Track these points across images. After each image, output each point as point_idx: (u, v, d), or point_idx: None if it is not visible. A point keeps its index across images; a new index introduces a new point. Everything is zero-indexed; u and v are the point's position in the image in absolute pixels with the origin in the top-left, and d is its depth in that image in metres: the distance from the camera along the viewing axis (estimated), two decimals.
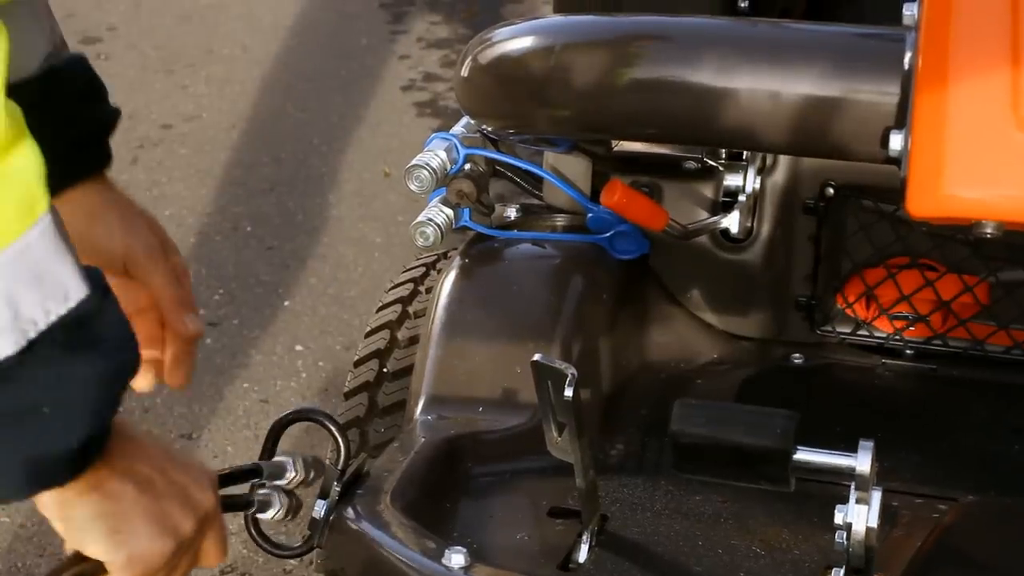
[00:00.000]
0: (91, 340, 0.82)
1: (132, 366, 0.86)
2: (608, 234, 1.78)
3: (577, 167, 1.83)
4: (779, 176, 1.81)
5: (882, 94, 1.32)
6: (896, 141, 1.17)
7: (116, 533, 0.91)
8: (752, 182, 1.78)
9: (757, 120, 1.39)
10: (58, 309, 0.80)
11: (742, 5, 1.93)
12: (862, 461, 1.19)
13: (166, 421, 2.88)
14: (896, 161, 1.17)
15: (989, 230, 1.08)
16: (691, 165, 1.80)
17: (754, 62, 1.41)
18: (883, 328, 1.84)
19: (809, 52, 1.39)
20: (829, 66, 1.37)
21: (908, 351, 1.84)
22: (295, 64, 4.69)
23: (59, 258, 0.81)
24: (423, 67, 4.70)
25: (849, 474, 1.20)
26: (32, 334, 0.79)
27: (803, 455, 1.20)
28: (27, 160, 0.78)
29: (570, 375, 1.24)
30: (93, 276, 0.83)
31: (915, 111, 1.09)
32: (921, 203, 1.07)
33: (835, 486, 1.22)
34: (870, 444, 1.19)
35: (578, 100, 1.49)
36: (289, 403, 2.93)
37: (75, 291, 0.81)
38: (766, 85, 1.39)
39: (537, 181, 1.89)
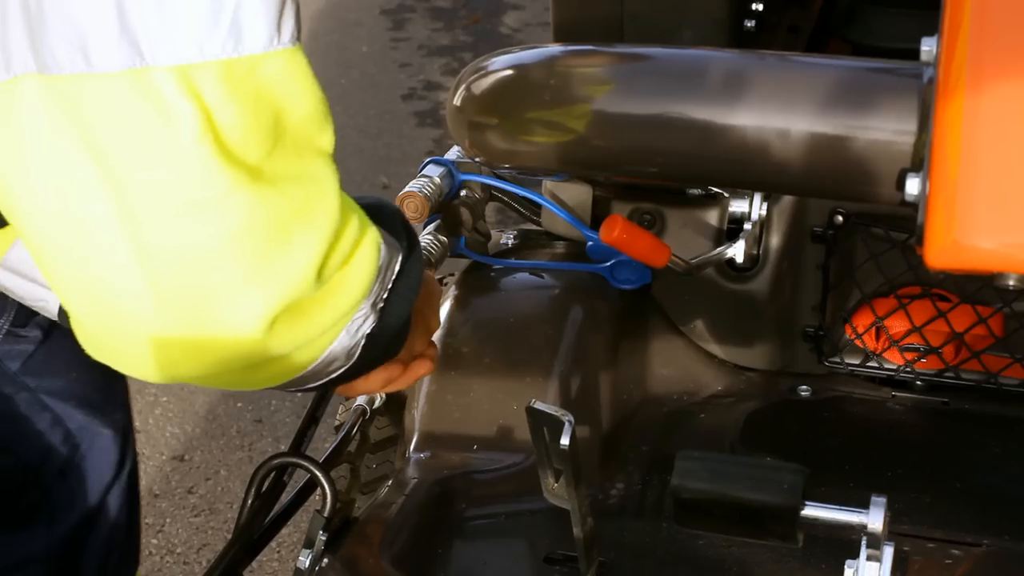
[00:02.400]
0: (407, 286, 1.11)
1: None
2: (609, 263, 1.72)
3: (577, 194, 1.77)
4: (786, 203, 1.75)
5: (898, 134, 1.25)
6: (913, 185, 1.10)
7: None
8: (758, 209, 1.73)
9: (764, 160, 1.32)
10: (391, 279, 1.08)
11: (748, 25, 1.86)
12: (874, 518, 1.13)
13: (158, 442, 2.83)
14: (913, 205, 1.10)
15: (1012, 282, 1.02)
16: (695, 192, 1.74)
17: (761, 99, 1.34)
18: (893, 360, 1.79)
19: (820, 89, 1.32)
20: (841, 104, 1.30)
21: (919, 383, 1.79)
22: None
23: (392, 252, 1.08)
24: (424, 75, 4.64)
25: (860, 530, 1.14)
26: (381, 305, 1.07)
27: (812, 511, 1.14)
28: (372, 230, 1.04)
29: (567, 423, 1.18)
30: (409, 234, 1.13)
31: (933, 153, 1.03)
32: (940, 253, 1.00)
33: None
34: (882, 500, 1.12)
35: (574, 136, 1.43)
36: (284, 423, 2.87)
37: (397, 263, 1.09)
38: (774, 123, 1.33)
39: (535, 207, 1.84)
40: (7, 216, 0.95)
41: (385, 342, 1.10)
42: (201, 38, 0.86)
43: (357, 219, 1.00)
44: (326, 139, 0.96)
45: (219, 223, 0.88)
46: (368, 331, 1.06)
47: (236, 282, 0.91)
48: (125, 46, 0.85)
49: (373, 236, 1.03)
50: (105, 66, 0.85)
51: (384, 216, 1.09)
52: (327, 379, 1.09)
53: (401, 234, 1.12)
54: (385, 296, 1.07)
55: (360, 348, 1.06)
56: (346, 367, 1.08)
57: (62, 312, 1.15)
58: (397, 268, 1.09)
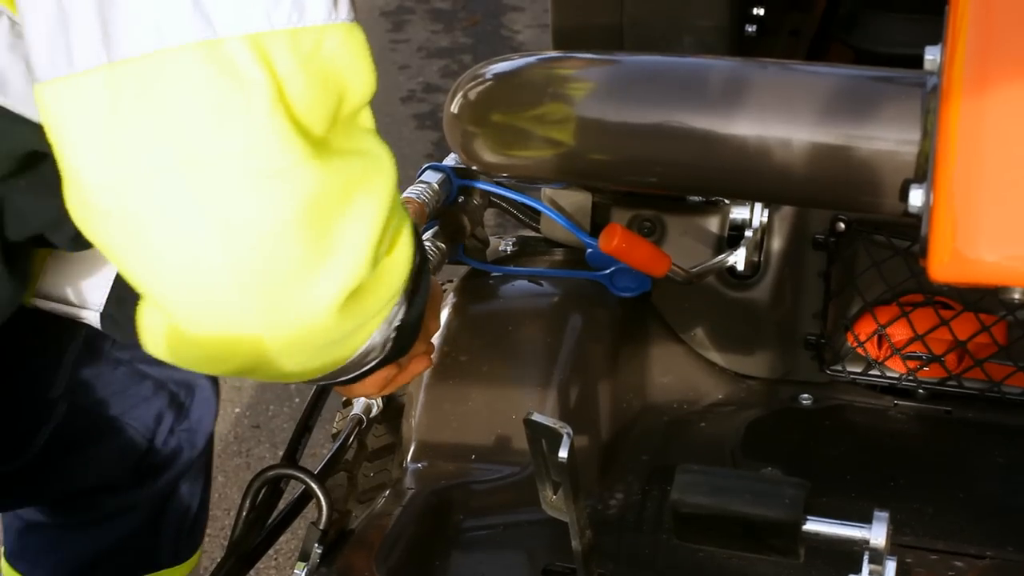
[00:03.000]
0: (425, 278, 1.13)
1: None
2: (608, 271, 1.70)
3: (577, 200, 1.76)
4: (787, 210, 1.73)
5: (901, 144, 1.23)
6: (916, 196, 1.08)
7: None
8: (759, 216, 1.71)
9: (765, 170, 1.31)
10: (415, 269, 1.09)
11: (749, 30, 1.85)
12: (876, 533, 1.11)
13: None
14: (917, 217, 1.09)
15: (1018, 295, 1.00)
16: (696, 199, 1.72)
17: (762, 108, 1.32)
18: (895, 368, 1.77)
19: (822, 98, 1.30)
20: (844, 113, 1.28)
21: (921, 392, 1.77)
22: None
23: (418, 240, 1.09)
24: (423, 77, 4.63)
25: (863, 545, 1.12)
26: (409, 295, 1.09)
27: (813, 525, 1.12)
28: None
29: (565, 435, 1.16)
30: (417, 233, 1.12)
31: (937, 164, 1.01)
32: (944, 267, 0.98)
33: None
34: (885, 515, 1.11)
35: (573, 146, 1.41)
36: (281, 429, 2.86)
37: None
38: (775, 133, 1.31)
39: (535, 213, 1.82)
40: (77, 215, 0.93)
41: (409, 335, 1.13)
42: (268, 8, 0.88)
43: (399, 203, 1.02)
44: (370, 117, 0.99)
45: (294, 192, 0.90)
46: (399, 323, 1.08)
47: (312, 257, 0.92)
48: (198, 19, 0.87)
49: (409, 221, 1.05)
50: (179, 39, 0.86)
51: None
52: (358, 372, 1.11)
53: (415, 230, 1.13)
54: (412, 287, 1.09)
55: (391, 340, 1.09)
56: (378, 359, 1.10)
57: (104, 321, 1.17)
58: (419, 260, 1.10)
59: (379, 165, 0.97)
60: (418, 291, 1.11)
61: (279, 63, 0.89)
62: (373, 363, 1.11)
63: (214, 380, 1.51)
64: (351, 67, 0.94)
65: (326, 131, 0.93)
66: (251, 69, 0.87)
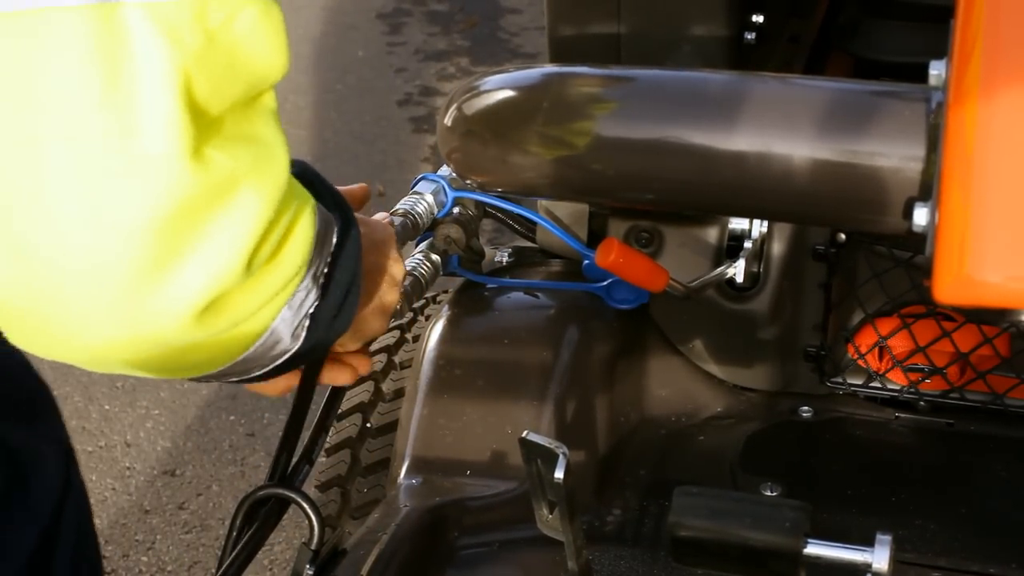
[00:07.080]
0: (346, 256, 1.05)
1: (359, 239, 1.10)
2: (605, 283, 1.67)
3: (573, 210, 1.73)
4: None
5: (905, 160, 1.21)
6: (921, 215, 1.06)
7: (357, 331, 1.24)
8: (759, 226, 1.68)
9: (765, 188, 1.28)
10: (330, 251, 1.03)
11: (748, 37, 1.82)
12: (879, 557, 1.08)
13: (149, 456, 2.79)
14: (921, 237, 1.06)
15: None
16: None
17: (763, 124, 1.29)
18: (897, 380, 1.75)
19: (824, 113, 1.28)
20: (845, 129, 1.26)
21: (923, 404, 1.75)
22: (289, 77, 4.58)
23: (327, 223, 1.02)
24: (420, 80, 4.60)
25: (865, 569, 1.10)
26: (323, 280, 1.02)
27: (814, 548, 1.10)
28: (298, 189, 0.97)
29: (561, 455, 1.14)
30: (341, 206, 1.07)
31: (943, 182, 0.99)
32: (950, 289, 0.96)
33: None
34: (887, 538, 1.08)
35: (568, 162, 1.38)
36: (277, 437, 2.82)
37: (334, 235, 1.04)
38: (776, 149, 1.28)
39: (531, 224, 1.79)
40: None
41: (328, 326, 1.04)
42: None
43: (295, 184, 0.95)
44: (273, 98, 0.91)
45: (170, 183, 0.80)
46: (311, 309, 1.01)
47: (172, 257, 0.82)
48: None
49: (310, 201, 0.98)
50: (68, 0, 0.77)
51: (308, 182, 1.02)
52: (273, 365, 1.03)
53: (331, 204, 1.06)
54: (326, 270, 1.01)
55: (305, 329, 1.01)
56: (292, 351, 1.02)
57: None
58: (335, 239, 1.03)
59: (270, 157, 0.88)
60: (334, 279, 1.02)
61: (181, 37, 0.79)
62: (287, 356, 1.02)
63: (65, 448, 1.33)
64: (264, 49, 0.85)
65: (222, 113, 0.84)
66: (146, 40, 0.78)
